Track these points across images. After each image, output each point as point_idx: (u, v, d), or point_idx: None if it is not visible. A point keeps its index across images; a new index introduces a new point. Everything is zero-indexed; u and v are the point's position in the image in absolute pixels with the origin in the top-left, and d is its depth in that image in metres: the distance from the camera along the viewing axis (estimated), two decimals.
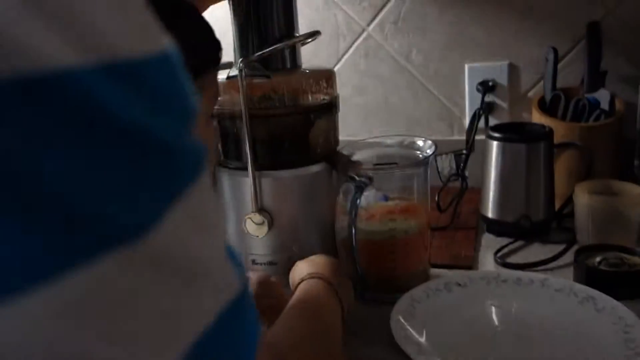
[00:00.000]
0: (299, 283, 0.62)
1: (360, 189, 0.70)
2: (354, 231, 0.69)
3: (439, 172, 1.13)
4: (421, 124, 1.23)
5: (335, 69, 1.26)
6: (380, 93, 1.25)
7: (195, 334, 0.25)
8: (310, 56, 1.27)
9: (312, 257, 0.69)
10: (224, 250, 0.28)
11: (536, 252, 0.89)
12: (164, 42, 0.25)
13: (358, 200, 0.69)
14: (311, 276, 0.62)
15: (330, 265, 0.66)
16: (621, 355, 0.60)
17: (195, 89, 0.46)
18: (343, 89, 1.26)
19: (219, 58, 0.50)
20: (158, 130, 0.23)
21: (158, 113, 0.23)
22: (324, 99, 0.74)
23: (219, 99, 0.73)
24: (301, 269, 0.66)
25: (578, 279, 0.76)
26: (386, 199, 0.80)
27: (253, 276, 0.66)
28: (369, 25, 1.22)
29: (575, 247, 0.83)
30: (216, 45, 0.49)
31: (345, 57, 1.25)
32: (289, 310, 0.54)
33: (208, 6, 0.71)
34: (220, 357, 0.26)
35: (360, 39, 1.23)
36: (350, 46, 1.24)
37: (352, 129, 1.28)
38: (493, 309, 0.73)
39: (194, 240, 0.25)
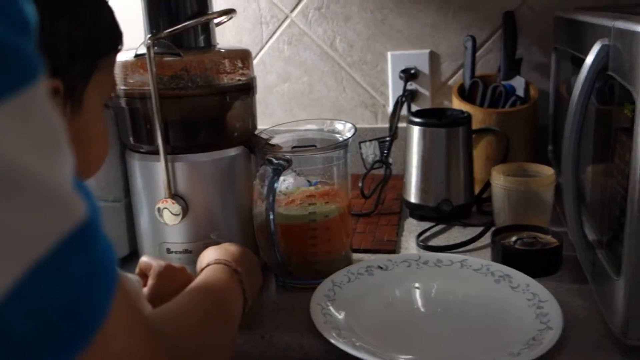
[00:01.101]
0: (205, 268, 0.60)
1: (277, 172, 0.68)
2: (271, 216, 0.67)
3: (363, 159, 1.12)
4: (346, 111, 1.23)
5: (259, 56, 1.23)
6: (304, 80, 1.24)
7: (33, 255, 0.23)
8: (233, 42, 1.24)
9: (224, 244, 0.67)
10: (67, 175, 0.26)
11: (456, 234, 0.90)
12: None
13: (276, 184, 0.67)
14: (217, 262, 0.60)
15: (240, 253, 0.64)
16: (534, 329, 0.61)
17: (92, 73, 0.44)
18: (268, 76, 1.24)
19: (117, 45, 0.49)
20: None
21: None
22: (239, 80, 0.72)
23: (130, 80, 0.69)
24: (209, 255, 0.63)
25: (495, 258, 0.78)
26: (309, 184, 0.78)
27: (154, 263, 0.63)
28: (292, 11, 1.20)
29: (493, 229, 0.85)
30: (116, 32, 0.48)
31: (269, 43, 1.23)
32: (185, 293, 0.52)
33: None
34: (63, 285, 0.24)
35: (284, 25, 1.21)
36: (274, 33, 1.22)
37: (277, 117, 1.26)
38: (414, 290, 0.73)
39: (20, 148, 0.23)
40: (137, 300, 0.45)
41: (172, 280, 0.62)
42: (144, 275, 0.63)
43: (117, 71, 0.70)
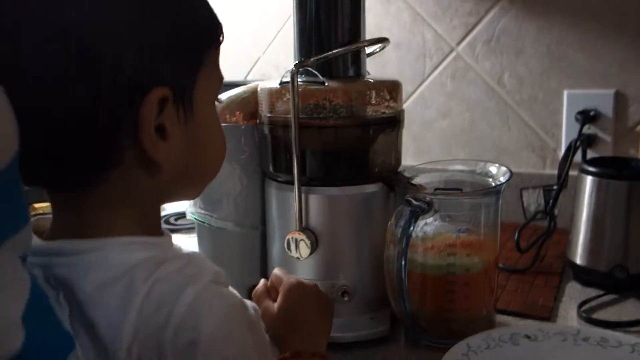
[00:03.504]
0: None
1: (415, 214, 0.61)
2: (403, 263, 0.61)
3: (523, 207, 1.01)
4: (509, 153, 1.12)
5: (420, 89, 1.18)
6: (466, 117, 1.15)
7: None
8: (395, 76, 1.20)
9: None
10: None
11: (631, 310, 0.75)
12: None
13: (411, 227, 0.61)
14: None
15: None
16: None
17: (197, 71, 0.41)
18: (427, 111, 1.19)
19: (218, 36, 0.45)
20: None
21: None
22: (384, 113, 0.67)
23: (275, 108, 0.68)
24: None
25: None
26: (458, 231, 0.70)
27: (285, 279, 0.59)
28: (458, 44, 1.13)
29: None
30: (214, 22, 0.45)
31: (431, 77, 1.17)
32: None
33: None
34: None
35: (449, 58, 1.15)
36: (437, 66, 1.16)
37: (433, 154, 1.19)
38: None
39: None
40: (254, 329, 0.42)
41: (302, 299, 0.58)
42: (274, 289, 0.60)
43: (263, 98, 0.70)
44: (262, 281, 0.61)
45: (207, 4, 0.45)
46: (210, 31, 0.44)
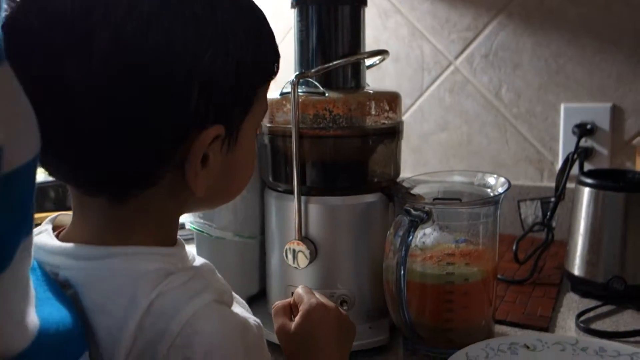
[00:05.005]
0: None
1: (414, 224, 0.62)
2: (402, 271, 0.61)
3: (521, 219, 1.02)
4: (507, 165, 1.13)
5: (418, 103, 1.19)
6: (464, 131, 1.16)
7: None
8: (393, 88, 1.21)
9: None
10: None
11: (629, 320, 0.75)
12: None
13: (410, 237, 0.62)
14: None
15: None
16: None
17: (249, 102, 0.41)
18: (425, 124, 1.20)
19: (276, 71, 0.44)
20: None
21: None
22: (384, 123, 0.68)
23: (275, 118, 0.69)
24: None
25: None
26: (456, 242, 0.71)
27: (306, 299, 0.56)
28: (456, 58, 1.15)
29: None
30: (276, 56, 0.44)
31: (429, 91, 1.18)
32: None
33: None
34: None
35: (447, 72, 1.16)
36: (435, 80, 1.17)
37: (432, 166, 1.20)
38: None
39: None
40: (254, 353, 0.41)
41: (322, 321, 0.54)
42: (295, 307, 0.57)
43: None
44: (287, 300, 0.59)
45: (272, 35, 0.44)
46: (270, 67, 0.44)
